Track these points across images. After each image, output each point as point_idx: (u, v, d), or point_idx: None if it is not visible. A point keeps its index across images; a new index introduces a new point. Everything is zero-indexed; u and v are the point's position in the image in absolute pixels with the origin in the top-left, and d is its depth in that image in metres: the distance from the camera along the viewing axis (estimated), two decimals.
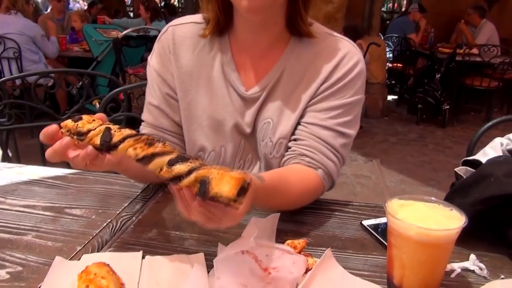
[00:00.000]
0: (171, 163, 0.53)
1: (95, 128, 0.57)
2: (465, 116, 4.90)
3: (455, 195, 0.76)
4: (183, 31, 0.87)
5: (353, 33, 3.93)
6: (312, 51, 0.84)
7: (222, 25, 0.83)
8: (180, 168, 0.52)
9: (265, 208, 0.78)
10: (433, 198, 0.62)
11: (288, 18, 0.82)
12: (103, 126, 0.57)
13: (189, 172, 0.51)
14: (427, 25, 5.63)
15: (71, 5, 16.10)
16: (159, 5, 9.82)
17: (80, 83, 3.04)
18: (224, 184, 0.49)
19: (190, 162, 0.53)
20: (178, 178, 0.52)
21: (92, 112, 1.80)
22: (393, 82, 6.12)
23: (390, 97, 5.61)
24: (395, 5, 10.80)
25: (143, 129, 0.90)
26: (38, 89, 3.75)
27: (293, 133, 0.85)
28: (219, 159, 0.90)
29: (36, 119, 3.97)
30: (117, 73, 3.39)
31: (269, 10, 0.76)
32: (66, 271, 0.59)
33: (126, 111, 1.50)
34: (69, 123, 0.58)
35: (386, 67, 5.28)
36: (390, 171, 3.34)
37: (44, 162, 1.69)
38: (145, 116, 0.91)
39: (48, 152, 0.60)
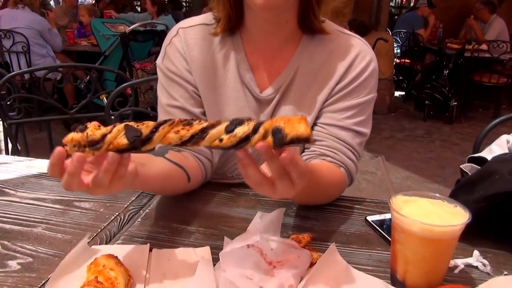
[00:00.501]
0: (229, 130, 0.50)
1: (110, 131, 0.51)
2: (473, 112, 4.86)
3: (460, 192, 0.77)
4: (194, 33, 0.86)
5: (360, 29, 3.89)
6: (325, 49, 0.84)
7: (233, 22, 0.82)
8: (242, 130, 0.50)
9: (297, 197, 0.77)
10: (437, 195, 0.62)
11: (300, 15, 0.81)
12: (120, 125, 0.52)
13: (255, 129, 0.50)
14: (435, 21, 5.57)
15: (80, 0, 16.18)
16: None
17: (88, 77, 3.07)
18: (295, 125, 0.50)
19: (248, 122, 0.51)
20: (245, 139, 0.50)
21: (100, 106, 1.81)
22: (400, 78, 6.08)
23: (397, 93, 5.58)
24: (404, 0, 10.70)
25: None
26: (46, 83, 3.78)
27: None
28: (236, 164, 0.90)
29: (44, 113, 4.01)
30: (125, 67, 3.41)
31: (283, 6, 0.75)
32: (78, 260, 0.60)
33: (133, 106, 1.51)
34: (75, 135, 0.51)
35: (394, 63, 5.24)
36: (396, 167, 3.33)
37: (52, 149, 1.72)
38: (163, 118, 0.88)
39: (65, 182, 0.52)
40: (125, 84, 1.39)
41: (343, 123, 0.83)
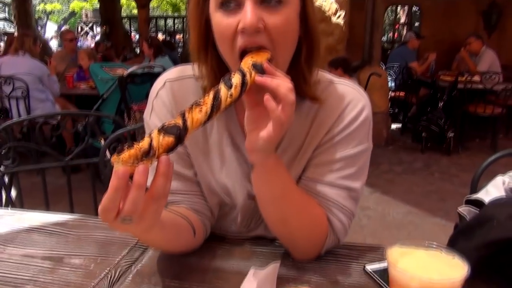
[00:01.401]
0: (229, 85, 0.59)
1: (150, 139, 0.54)
2: (470, 143, 4.88)
3: (459, 238, 0.75)
4: (183, 87, 0.81)
5: (344, 65, 3.90)
6: (314, 105, 0.78)
7: None
8: (236, 79, 0.60)
9: (264, 194, 0.73)
10: (434, 244, 0.61)
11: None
12: (152, 133, 0.54)
13: (242, 73, 0.61)
14: (429, 54, 5.69)
15: (80, 43, 16.64)
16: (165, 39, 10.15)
17: (86, 119, 3.09)
18: (261, 54, 0.64)
19: (233, 73, 0.61)
20: (244, 83, 0.60)
21: (98, 149, 1.77)
22: (396, 110, 6.15)
23: (394, 126, 5.61)
24: (395, 34, 11.02)
25: None
26: (45, 126, 3.81)
27: None
28: (231, 220, 0.87)
29: (42, 157, 4.02)
30: (122, 110, 3.44)
31: None
32: None
33: None
34: (130, 152, 0.52)
35: (389, 96, 5.31)
36: (397, 202, 3.29)
37: (47, 203, 1.70)
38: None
39: (131, 200, 0.52)
40: (120, 131, 1.40)
41: (327, 178, 0.77)
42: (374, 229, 2.84)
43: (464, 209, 0.83)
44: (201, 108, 0.57)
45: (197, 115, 0.57)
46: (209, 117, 0.58)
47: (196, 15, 0.71)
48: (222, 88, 0.59)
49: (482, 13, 6.87)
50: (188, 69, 0.81)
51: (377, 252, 0.83)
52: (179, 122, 0.56)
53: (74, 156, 1.69)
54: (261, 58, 0.64)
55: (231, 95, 0.59)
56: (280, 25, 0.65)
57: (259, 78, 0.61)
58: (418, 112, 5.17)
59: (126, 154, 0.52)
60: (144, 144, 0.53)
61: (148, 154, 0.53)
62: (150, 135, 0.54)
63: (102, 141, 2.76)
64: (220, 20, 0.66)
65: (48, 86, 3.89)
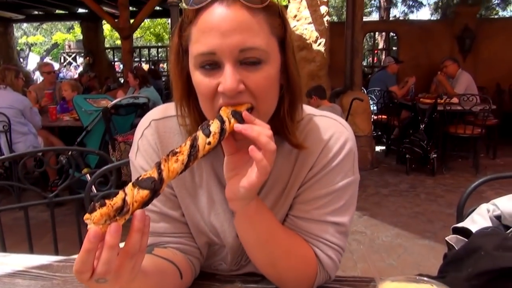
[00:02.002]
0: (207, 133, 0.59)
1: (124, 195, 0.52)
2: (453, 163, 4.97)
3: (448, 268, 0.76)
4: (168, 127, 0.80)
5: (320, 93, 3.97)
6: (297, 141, 0.76)
7: None
8: (214, 126, 0.60)
9: (249, 239, 0.73)
10: (425, 278, 0.61)
11: (269, 123, 0.71)
12: (126, 188, 0.53)
13: (221, 120, 0.61)
14: (408, 78, 5.86)
15: (63, 74, 16.61)
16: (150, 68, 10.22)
17: (70, 153, 3.05)
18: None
19: (211, 120, 0.61)
20: (223, 131, 0.60)
21: (83, 181, 1.74)
22: (379, 133, 6.26)
23: (378, 148, 5.70)
24: (375, 59, 11.36)
25: None
26: (27, 159, 3.74)
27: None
28: (221, 259, 0.86)
29: (24, 191, 3.92)
30: (107, 141, 3.41)
31: None
32: None
33: (115, 187, 1.49)
34: (102, 211, 0.50)
35: (372, 120, 5.41)
36: (385, 224, 3.31)
37: (30, 242, 1.65)
38: None
39: (104, 261, 0.50)
40: (106, 167, 1.38)
41: (313, 215, 0.76)
42: (364, 254, 2.82)
43: (451, 238, 0.84)
44: (178, 157, 0.56)
45: (173, 165, 0.56)
46: (186, 166, 0.57)
47: (177, 69, 0.71)
48: (200, 135, 0.59)
49: (456, 37, 7.14)
50: (172, 108, 0.80)
51: (369, 285, 0.82)
52: (154, 174, 0.54)
53: (60, 190, 1.66)
54: (241, 107, 0.63)
55: (209, 142, 0.58)
56: (261, 84, 0.65)
57: (238, 126, 0.60)
58: (401, 134, 5.27)
59: (98, 213, 0.50)
60: (117, 200, 0.52)
61: (121, 210, 0.51)
62: (124, 190, 0.53)
63: (88, 176, 2.72)
64: (200, 80, 0.66)
65: (30, 119, 3.85)
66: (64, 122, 4.32)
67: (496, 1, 15.01)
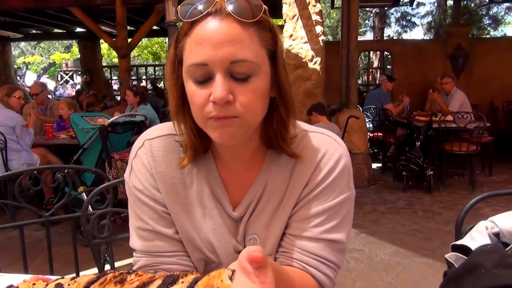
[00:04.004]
0: None
1: None
2: (450, 180, 4.98)
3: (449, 286, 0.75)
4: (162, 145, 0.80)
5: (321, 110, 4.06)
6: (292, 157, 0.78)
7: (200, 151, 0.78)
8: None
9: None
10: None
11: (263, 135, 0.77)
12: (52, 285, 0.49)
13: None
14: (403, 96, 5.92)
15: (60, 92, 16.65)
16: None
17: (66, 171, 3.03)
18: (233, 287, 0.46)
19: (182, 280, 0.48)
20: None
21: (79, 200, 1.74)
22: (376, 150, 6.28)
23: (374, 165, 5.71)
24: (370, 77, 11.50)
25: (139, 260, 0.80)
26: (23, 178, 3.71)
27: (280, 244, 0.80)
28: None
29: (18, 210, 3.88)
30: (103, 159, 3.40)
31: (242, 139, 0.72)
32: None
33: (111, 205, 1.48)
34: None
35: (368, 137, 5.44)
36: (383, 242, 3.28)
37: (25, 262, 1.63)
38: (135, 244, 0.81)
39: None
40: (102, 186, 1.38)
41: (310, 233, 0.76)
42: (362, 271, 2.80)
43: (451, 256, 0.84)
44: (122, 285, 0.49)
45: None
46: None
47: (172, 78, 0.73)
48: (157, 286, 0.49)
49: (449, 56, 7.26)
50: (166, 127, 0.82)
51: None
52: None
53: (54, 210, 1.64)
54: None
55: None
56: (249, 98, 0.67)
57: None
58: (397, 151, 5.30)
59: None
60: None
61: None
62: (51, 281, 0.49)
63: (84, 194, 2.71)
64: (192, 90, 0.68)
65: (19, 137, 3.84)
66: (60, 140, 4.31)
67: (488, 22, 15.35)
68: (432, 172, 4.59)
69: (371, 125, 6.00)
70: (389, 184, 5.06)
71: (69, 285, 0.49)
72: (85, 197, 1.54)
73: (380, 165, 5.82)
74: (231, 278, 0.48)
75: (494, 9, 15.06)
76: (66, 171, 2.86)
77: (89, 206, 1.48)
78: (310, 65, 5.22)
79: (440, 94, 5.43)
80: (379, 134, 5.85)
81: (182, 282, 0.47)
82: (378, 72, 10.61)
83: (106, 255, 1.61)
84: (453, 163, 5.11)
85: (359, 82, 10.53)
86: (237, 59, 0.65)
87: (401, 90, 6.70)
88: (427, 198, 4.44)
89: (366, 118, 5.60)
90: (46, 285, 0.49)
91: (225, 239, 0.81)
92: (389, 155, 5.70)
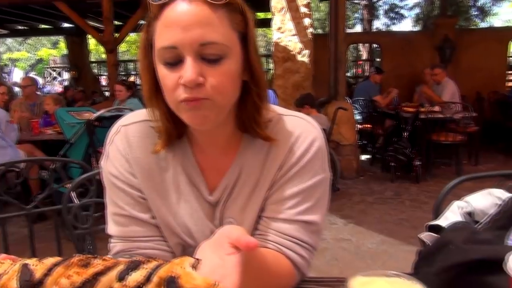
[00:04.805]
0: (121, 276, 0.46)
1: (7, 271, 0.47)
2: (437, 170, 5.04)
3: (421, 264, 0.77)
4: (137, 130, 0.80)
5: (309, 101, 4.17)
6: (266, 141, 0.79)
7: (174, 136, 0.78)
8: (135, 276, 0.46)
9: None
10: (394, 272, 0.62)
11: (238, 120, 0.77)
12: (18, 264, 0.48)
13: (148, 276, 0.46)
14: (392, 89, 5.97)
15: (48, 89, 16.44)
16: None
17: (52, 166, 3.01)
18: (193, 276, 0.46)
19: (144, 266, 0.47)
20: None
21: (68, 196, 1.71)
22: (364, 142, 6.33)
23: (363, 157, 5.76)
24: (359, 70, 11.55)
25: (115, 246, 0.80)
26: (9, 173, 3.67)
27: (255, 227, 0.80)
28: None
29: (6, 204, 3.85)
30: (90, 153, 3.38)
31: (216, 123, 0.72)
32: None
33: (95, 196, 1.47)
34: None
35: (356, 129, 5.47)
36: (371, 232, 3.32)
37: (6, 251, 1.62)
38: (112, 230, 0.81)
39: None
40: (84, 175, 1.37)
41: (284, 215, 0.77)
42: (349, 261, 2.83)
43: (425, 236, 0.85)
44: (75, 275, 0.47)
45: (63, 279, 0.47)
46: None
47: (144, 63, 0.73)
48: (112, 273, 0.47)
49: (437, 48, 7.32)
50: (142, 114, 0.82)
51: (343, 284, 0.83)
52: (40, 273, 0.47)
53: (39, 204, 1.63)
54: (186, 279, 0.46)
55: None
56: (220, 80, 0.67)
57: None
58: (385, 142, 5.34)
59: None
60: None
61: None
62: (19, 261, 0.49)
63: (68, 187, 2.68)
64: (163, 73, 0.68)
65: (5, 133, 3.79)
66: (47, 135, 4.27)
67: (475, 13, 15.48)
68: (419, 162, 4.64)
69: (360, 117, 6.03)
70: (377, 175, 5.11)
71: (35, 265, 0.48)
72: (73, 193, 1.53)
73: (369, 156, 5.87)
74: (195, 267, 0.48)
75: (481, 0, 15.20)
76: (52, 165, 2.84)
77: (75, 199, 1.48)
78: (299, 57, 5.22)
79: (430, 85, 5.48)
80: (368, 125, 5.89)
81: (145, 268, 0.47)
82: (367, 65, 10.66)
83: (90, 247, 1.61)
84: (440, 153, 5.17)
85: (349, 75, 10.57)
86: (206, 41, 0.65)
87: (390, 82, 6.75)
88: (415, 188, 4.50)
89: (355, 110, 5.64)
90: (13, 264, 0.48)
91: (202, 223, 0.81)
92: (378, 147, 5.75)
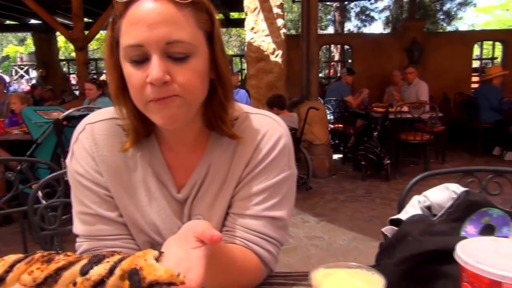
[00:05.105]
0: (84, 271, 0.46)
1: None
2: (406, 168, 5.19)
3: (382, 256, 0.80)
4: (104, 128, 0.80)
5: (280, 102, 4.30)
6: (232, 139, 0.80)
7: (142, 134, 0.78)
8: (98, 270, 0.46)
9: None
10: (354, 264, 0.64)
11: (205, 117, 0.78)
12: None
13: (111, 270, 0.46)
14: (363, 89, 6.12)
15: (14, 87, 15.85)
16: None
17: (19, 167, 2.91)
18: (155, 267, 0.46)
19: (107, 260, 0.47)
20: (101, 283, 0.45)
21: (36, 198, 1.67)
22: (336, 141, 6.44)
23: (335, 156, 5.86)
24: (331, 71, 11.74)
25: (81, 245, 0.80)
26: None
27: (223, 224, 0.82)
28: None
29: None
30: (59, 154, 3.29)
31: (185, 121, 0.73)
32: None
33: (63, 197, 1.44)
34: None
35: (329, 128, 5.57)
36: (342, 229, 3.39)
37: None
38: (78, 229, 0.80)
39: None
40: (51, 175, 1.34)
41: (251, 211, 0.78)
42: (321, 258, 2.88)
43: (387, 229, 0.88)
44: (37, 270, 0.47)
45: (25, 275, 0.47)
46: (37, 286, 0.47)
47: (111, 61, 0.72)
48: (75, 267, 0.47)
49: (405, 50, 7.53)
50: (109, 112, 0.82)
51: (306, 278, 0.85)
52: (3, 268, 0.47)
53: (4, 205, 1.58)
54: (150, 271, 0.46)
55: (75, 284, 0.47)
56: (187, 78, 0.67)
57: None
58: (357, 142, 5.46)
59: None
60: None
61: None
62: None
63: (40, 193, 2.61)
64: (130, 72, 0.68)
65: None
66: (13, 136, 4.12)
67: (441, 17, 16.02)
68: (389, 161, 4.77)
69: (332, 117, 6.14)
70: (349, 173, 5.21)
71: None
72: (40, 193, 1.49)
73: (341, 155, 5.98)
74: (157, 260, 0.49)
75: (448, 5, 15.76)
76: (19, 166, 2.75)
77: (43, 200, 1.44)
78: (272, 58, 5.27)
79: (400, 86, 5.68)
80: (339, 125, 6.00)
81: (108, 262, 0.47)
82: (339, 66, 10.85)
83: (58, 249, 1.58)
84: (408, 152, 5.33)
85: (321, 75, 10.72)
86: (172, 40, 0.65)
87: (361, 83, 6.90)
88: (385, 186, 4.62)
89: (327, 110, 5.73)
90: None
91: (170, 220, 0.81)
92: (350, 146, 5.87)
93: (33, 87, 9.10)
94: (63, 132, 3.23)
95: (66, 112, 3.32)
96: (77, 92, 9.08)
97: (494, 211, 0.77)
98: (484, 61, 9.27)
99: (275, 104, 4.29)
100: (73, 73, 12.49)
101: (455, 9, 15.97)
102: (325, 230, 3.39)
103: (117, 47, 0.71)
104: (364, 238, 3.19)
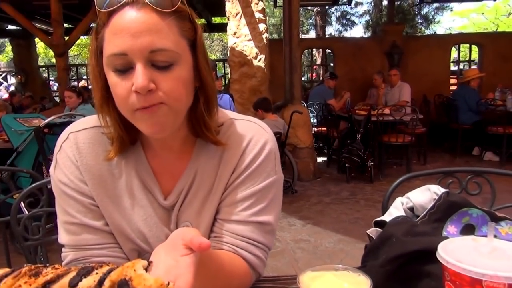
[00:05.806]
0: (73, 283, 0.46)
1: None
2: (389, 170, 5.28)
3: (368, 258, 0.82)
4: (88, 137, 0.79)
5: (265, 105, 4.38)
6: (217, 145, 0.80)
7: (127, 142, 0.78)
8: (87, 282, 0.46)
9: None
10: (341, 266, 0.66)
11: (191, 124, 0.79)
12: None
13: (100, 281, 0.46)
14: (344, 92, 6.20)
15: None
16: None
17: None
18: (145, 277, 0.47)
19: (96, 271, 0.47)
20: None
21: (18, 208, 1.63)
22: (321, 144, 6.50)
23: (320, 159, 5.91)
24: (314, 75, 11.86)
25: (67, 255, 0.79)
26: None
27: (211, 230, 0.82)
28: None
29: None
30: (41, 162, 3.23)
31: (172, 130, 0.74)
32: None
33: (46, 206, 1.42)
34: None
35: (312, 132, 5.62)
36: (328, 231, 3.42)
37: None
38: (63, 239, 0.79)
39: None
40: (34, 185, 1.32)
41: (239, 217, 0.79)
42: (308, 260, 2.90)
43: (372, 231, 0.91)
44: (25, 285, 0.47)
45: None
46: None
47: (95, 70, 0.72)
48: (64, 280, 0.48)
49: (386, 53, 7.67)
50: (93, 120, 0.81)
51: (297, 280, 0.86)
52: None
53: None
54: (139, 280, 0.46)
55: None
56: (171, 86, 0.68)
57: None
58: (340, 145, 5.52)
59: None
60: None
61: None
62: None
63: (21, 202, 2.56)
64: (114, 81, 0.68)
65: None
66: None
67: (420, 21, 16.38)
68: (372, 163, 4.84)
69: (315, 120, 6.20)
70: (333, 176, 5.27)
71: None
72: (22, 203, 1.46)
73: (325, 158, 6.04)
74: (146, 269, 0.49)
75: (425, 9, 16.12)
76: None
77: (25, 210, 1.42)
78: (255, 62, 5.29)
79: (383, 87, 5.81)
80: (323, 128, 6.06)
81: (96, 273, 0.47)
82: (322, 69, 10.97)
83: (42, 259, 1.55)
84: (391, 154, 5.42)
85: (304, 79, 10.82)
86: (156, 48, 0.66)
87: (343, 86, 6.98)
88: (369, 187, 4.68)
89: (310, 114, 5.78)
90: None
91: (157, 228, 0.81)
92: (334, 149, 5.93)
93: (12, 94, 8.91)
94: (44, 140, 3.18)
95: (47, 120, 3.26)
96: (57, 99, 8.92)
97: (474, 211, 0.79)
98: (461, 63, 9.51)
99: (260, 106, 4.34)
100: (53, 80, 12.28)
101: (432, 13, 16.37)
102: (311, 233, 3.42)
103: (101, 56, 0.71)
104: (349, 240, 3.23)
